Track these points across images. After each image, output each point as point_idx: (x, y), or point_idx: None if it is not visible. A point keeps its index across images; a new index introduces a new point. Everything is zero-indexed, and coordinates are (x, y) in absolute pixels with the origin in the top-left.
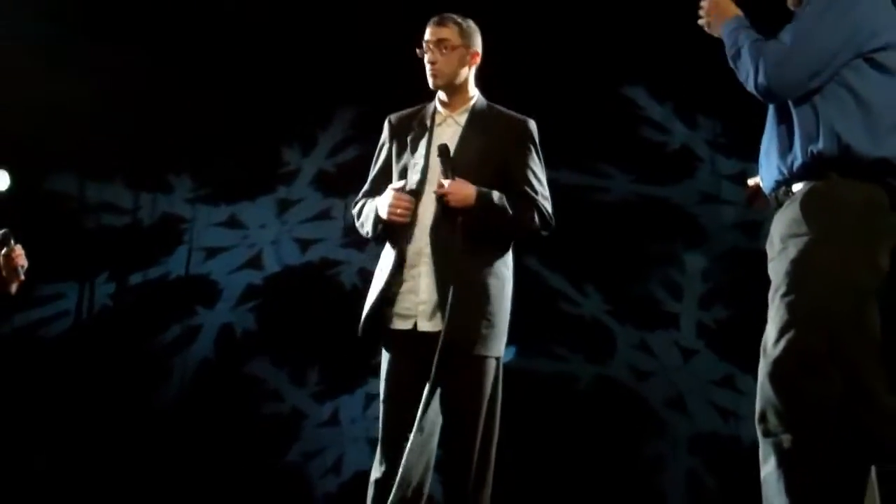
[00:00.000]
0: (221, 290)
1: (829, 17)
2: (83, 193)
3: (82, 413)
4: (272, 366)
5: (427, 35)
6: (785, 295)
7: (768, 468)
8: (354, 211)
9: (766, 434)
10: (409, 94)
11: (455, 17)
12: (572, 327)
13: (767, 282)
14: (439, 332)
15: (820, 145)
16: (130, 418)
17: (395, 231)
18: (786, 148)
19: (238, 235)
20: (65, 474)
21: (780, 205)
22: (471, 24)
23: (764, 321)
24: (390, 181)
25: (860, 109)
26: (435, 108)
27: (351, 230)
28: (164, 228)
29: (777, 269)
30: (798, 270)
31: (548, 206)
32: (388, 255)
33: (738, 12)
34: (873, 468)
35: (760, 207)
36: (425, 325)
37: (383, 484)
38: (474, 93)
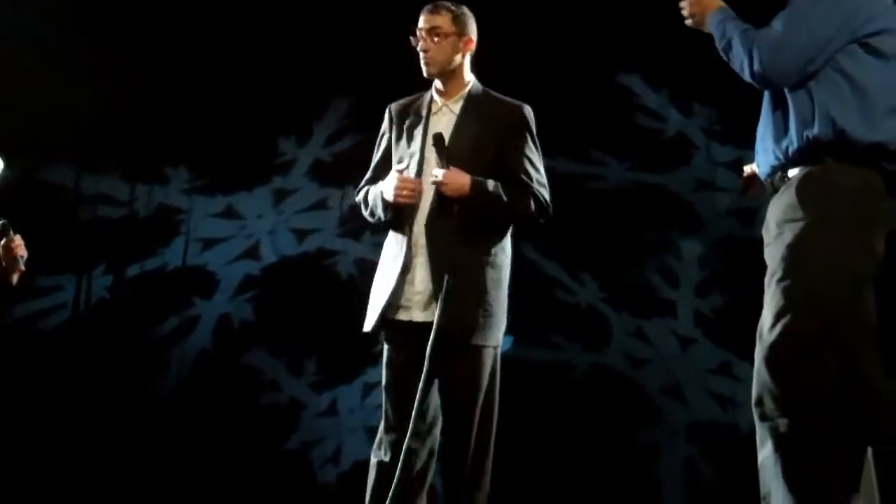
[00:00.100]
0: (219, 280)
1: (824, 2)
2: (79, 185)
3: (81, 405)
4: (270, 356)
5: (420, 23)
6: (781, 280)
7: (765, 452)
8: (359, 198)
9: (763, 418)
10: (406, 83)
11: (448, 4)
12: (568, 316)
13: (763, 269)
14: (431, 323)
15: (815, 130)
16: (129, 410)
17: (394, 220)
18: (781, 133)
19: (235, 226)
20: (64, 466)
21: (775, 190)
22: (464, 11)
23: (760, 308)
24: (391, 169)
25: (855, 94)
26: (431, 97)
27: (347, 220)
28: (161, 220)
29: (773, 255)
30: (794, 255)
31: (545, 192)
32: (387, 246)
33: (721, 3)
34: (870, 449)
35: (756, 194)
36: (420, 316)
37: (385, 469)
38: (470, 79)
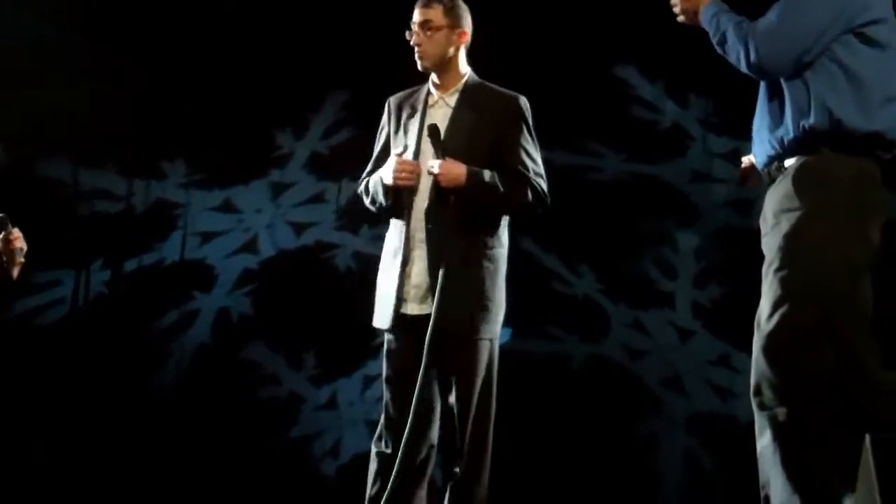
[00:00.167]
0: (217, 274)
1: None
2: (77, 181)
3: (81, 400)
4: (269, 350)
5: (413, 17)
6: (778, 270)
7: (764, 441)
8: (361, 189)
9: (762, 407)
10: (403, 76)
11: None
12: (566, 307)
13: (760, 259)
14: (428, 316)
15: (811, 120)
16: (129, 404)
17: (393, 212)
18: (777, 123)
19: (233, 220)
20: (64, 461)
21: (772, 180)
22: (457, 3)
23: (757, 299)
24: None
25: (851, 84)
26: (428, 90)
27: (345, 213)
28: (159, 214)
29: (770, 245)
30: (791, 245)
31: (542, 182)
32: (388, 240)
33: None
34: (867, 436)
35: (754, 185)
36: (415, 309)
37: (385, 460)
38: (466, 71)
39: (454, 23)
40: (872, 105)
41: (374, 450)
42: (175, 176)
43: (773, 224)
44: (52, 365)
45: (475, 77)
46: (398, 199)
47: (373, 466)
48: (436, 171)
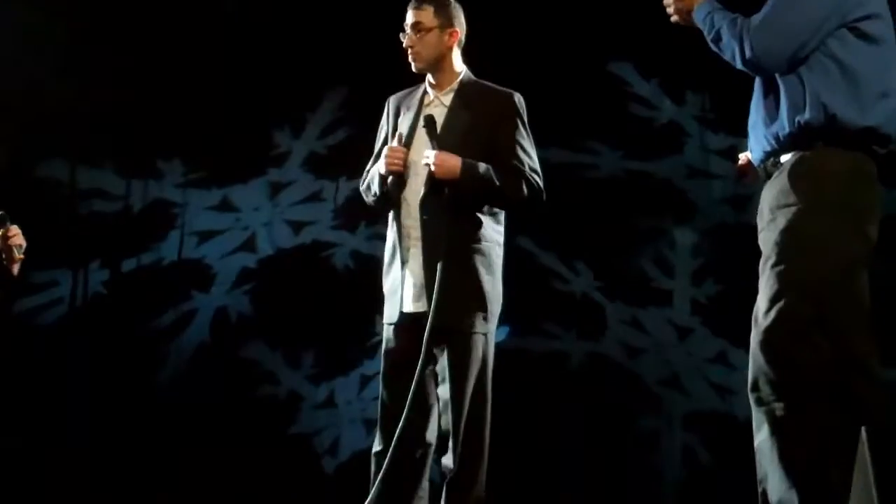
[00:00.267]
0: (215, 274)
1: None
2: (74, 180)
3: (80, 400)
4: (267, 349)
5: (406, 19)
6: (775, 265)
7: (762, 436)
8: (363, 187)
9: (759, 403)
10: (400, 75)
11: None
12: (563, 305)
13: (758, 256)
14: (424, 313)
15: (806, 115)
16: (128, 403)
17: (390, 208)
18: (773, 119)
19: (230, 219)
20: (63, 461)
21: (768, 176)
22: (449, 3)
23: (755, 295)
24: None
25: (846, 79)
26: (425, 90)
27: (342, 212)
28: (156, 214)
29: (767, 240)
30: (787, 240)
31: (537, 178)
32: (388, 237)
33: None
34: (864, 430)
35: (751, 181)
36: (411, 306)
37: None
38: (461, 69)
39: (445, 23)
40: (867, 100)
41: (374, 449)
42: (173, 175)
43: (770, 220)
44: (51, 365)
45: (470, 75)
46: (394, 194)
47: (373, 469)
48: (430, 161)
